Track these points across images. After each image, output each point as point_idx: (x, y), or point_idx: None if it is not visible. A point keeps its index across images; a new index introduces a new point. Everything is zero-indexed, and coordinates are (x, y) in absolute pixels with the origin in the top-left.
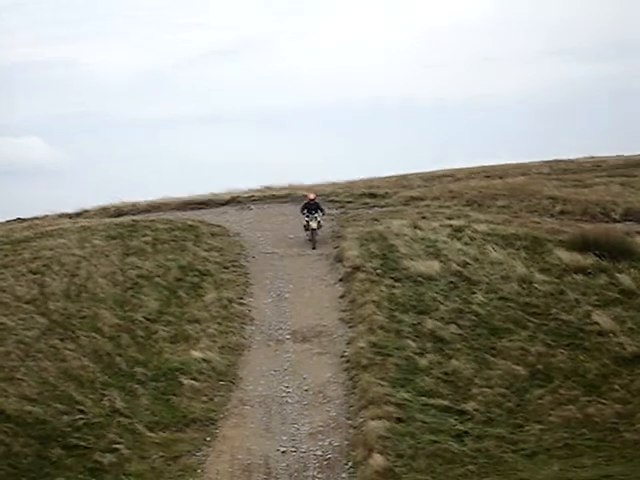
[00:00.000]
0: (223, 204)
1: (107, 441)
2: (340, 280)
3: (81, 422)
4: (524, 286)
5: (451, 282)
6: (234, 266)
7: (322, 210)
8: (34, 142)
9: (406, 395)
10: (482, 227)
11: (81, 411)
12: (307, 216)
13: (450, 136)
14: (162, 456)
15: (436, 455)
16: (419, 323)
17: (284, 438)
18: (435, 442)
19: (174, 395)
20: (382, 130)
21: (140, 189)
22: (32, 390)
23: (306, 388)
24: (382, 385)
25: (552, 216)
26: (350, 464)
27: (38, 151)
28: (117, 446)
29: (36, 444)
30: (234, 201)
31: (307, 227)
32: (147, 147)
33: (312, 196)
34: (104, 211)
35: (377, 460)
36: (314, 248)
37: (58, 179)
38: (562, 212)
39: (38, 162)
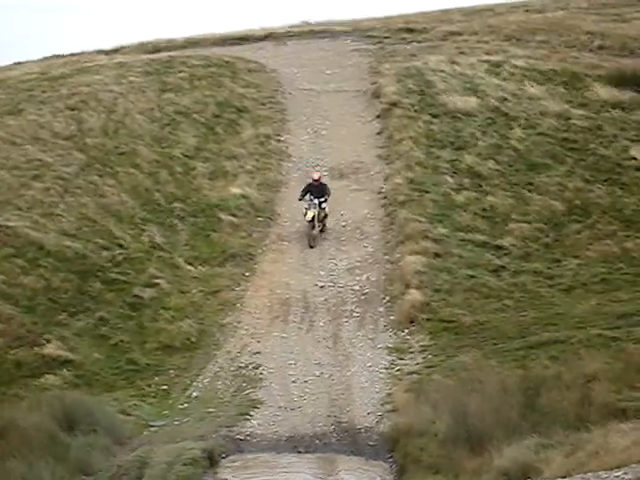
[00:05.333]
0: (260, 40)
1: (147, 276)
2: (377, 116)
3: (121, 257)
4: (562, 121)
5: (489, 118)
6: (271, 103)
7: (327, 193)
8: None
9: (443, 231)
10: (520, 62)
11: (121, 246)
12: (308, 202)
13: None
14: (201, 291)
15: (473, 290)
16: (457, 159)
17: (322, 273)
18: (472, 277)
19: (213, 231)
20: None
21: (176, 25)
22: (71, 225)
23: (344, 224)
24: (419, 221)
25: (591, 51)
26: (387, 299)
27: None
28: (157, 281)
29: (76, 279)
30: (271, 37)
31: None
32: None
33: (316, 176)
34: (141, 47)
35: (414, 295)
36: (312, 247)
37: (95, 16)
38: (601, 47)
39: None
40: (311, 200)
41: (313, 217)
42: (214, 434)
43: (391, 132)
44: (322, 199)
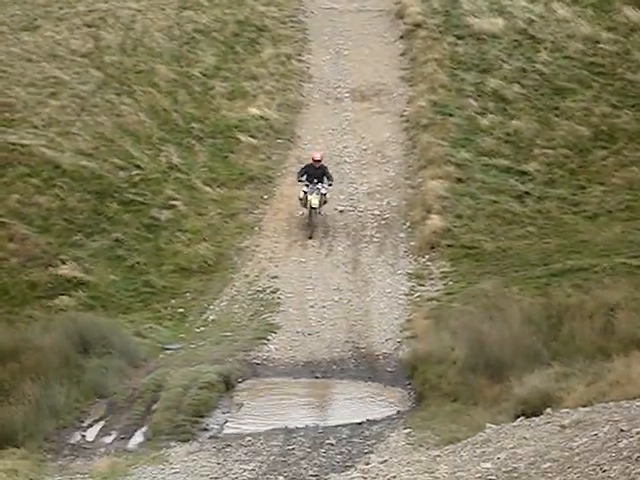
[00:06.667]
0: None
1: (164, 197)
2: (401, 37)
3: (138, 178)
4: (590, 45)
5: (515, 40)
6: (292, 22)
7: (329, 177)
8: None
9: (467, 155)
10: None
11: (138, 167)
12: (306, 185)
13: None
14: (219, 213)
15: (496, 216)
16: (481, 82)
17: (342, 197)
18: (495, 203)
19: (231, 152)
20: None
21: None
22: (88, 145)
23: (364, 147)
24: (442, 145)
25: None
26: (408, 224)
27: None
28: (174, 202)
29: (92, 199)
30: None
31: (304, 203)
32: None
33: (317, 156)
34: None
35: (435, 220)
36: (310, 237)
37: None
38: None
39: None
40: (314, 184)
41: (317, 205)
42: (231, 358)
43: (415, 54)
44: (325, 185)
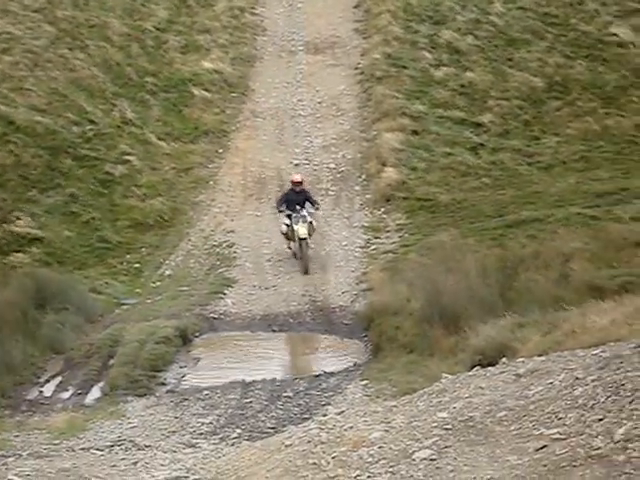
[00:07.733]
0: None
1: (118, 152)
2: None
3: (91, 133)
4: None
5: None
6: None
7: (313, 203)
8: None
9: (421, 107)
10: None
11: (92, 122)
12: (288, 215)
13: None
14: (174, 168)
15: (450, 168)
16: (435, 34)
17: (297, 151)
18: (450, 155)
19: (185, 106)
20: None
21: None
22: (41, 100)
23: (319, 100)
24: (397, 97)
25: None
26: (363, 177)
27: None
28: (128, 157)
29: (46, 155)
30: None
31: (289, 235)
32: None
33: (297, 177)
34: None
35: (390, 173)
36: (306, 273)
37: None
38: None
39: None
40: (297, 211)
41: (305, 234)
42: (187, 312)
43: (369, 5)
44: (311, 210)
